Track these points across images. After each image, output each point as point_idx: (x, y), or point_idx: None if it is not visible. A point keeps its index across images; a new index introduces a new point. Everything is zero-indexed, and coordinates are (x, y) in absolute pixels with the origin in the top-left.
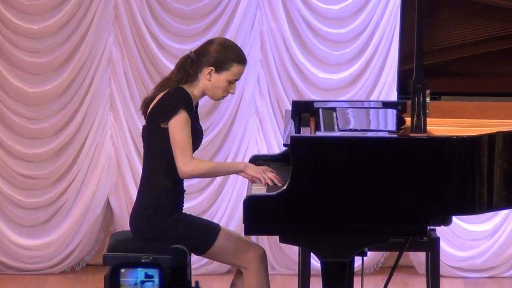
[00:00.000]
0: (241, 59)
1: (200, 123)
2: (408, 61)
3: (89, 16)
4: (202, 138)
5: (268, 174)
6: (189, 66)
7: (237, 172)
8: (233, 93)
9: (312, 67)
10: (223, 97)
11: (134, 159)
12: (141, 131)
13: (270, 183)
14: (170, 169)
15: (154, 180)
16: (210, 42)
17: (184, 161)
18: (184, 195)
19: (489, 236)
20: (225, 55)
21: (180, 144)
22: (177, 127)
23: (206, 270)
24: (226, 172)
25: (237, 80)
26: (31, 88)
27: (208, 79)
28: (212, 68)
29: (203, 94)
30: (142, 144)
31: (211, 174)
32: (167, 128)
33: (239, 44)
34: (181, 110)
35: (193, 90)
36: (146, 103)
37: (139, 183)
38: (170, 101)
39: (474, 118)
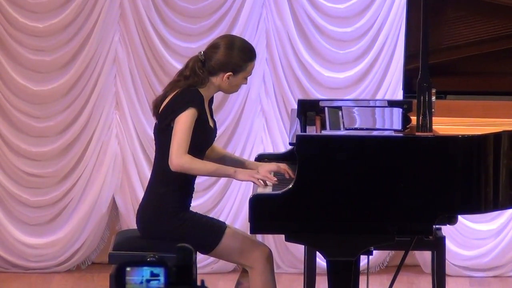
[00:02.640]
0: (253, 55)
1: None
2: (414, 60)
3: (94, 15)
4: (215, 134)
5: (259, 176)
6: (202, 71)
7: (228, 176)
8: (246, 84)
9: (317, 65)
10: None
11: (139, 158)
12: (153, 130)
13: (262, 184)
14: None
15: (163, 178)
16: (217, 46)
17: (178, 153)
18: (193, 195)
19: (495, 235)
20: (240, 58)
21: (179, 136)
22: (181, 121)
23: (212, 269)
24: (217, 174)
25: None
26: (36, 86)
27: (227, 83)
28: (231, 73)
29: (217, 91)
30: (147, 142)
31: (201, 172)
32: None
33: None
34: (190, 107)
35: (205, 90)
36: (156, 104)
37: (146, 181)
38: (181, 100)
39: (479, 117)
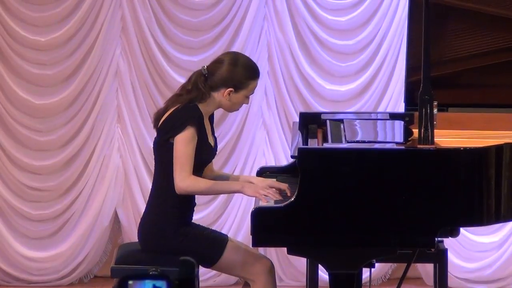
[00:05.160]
0: (257, 74)
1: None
2: (415, 73)
3: (96, 28)
4: (214, 152)
5: (265, 192)
6: (203, 85)
7: (234, 192)
8: (247, 103)
9: (319, 78)
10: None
11: (141, 171)
12: (152, 143)
13: (265, 200)
14: None
15: (163, 192)
16: (221, 62)
17: (181, 177)
18: (194, 208)
19: (497, 247)
20: (243, 75)
21: (181, 159)
22: (181, 142)
23: (214, 282)
24: (223, 191)
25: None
26: (38, 100)
27: (227, 99)
28: (232, 89)
29: (218, 108)
30: (149, 156)
31: (207, 192)
32: None
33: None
34: (189, 126)
35: (206, 106)
36: (157, 117)
37: (148, 195)
38: (180, 117)
39: (481, 129)
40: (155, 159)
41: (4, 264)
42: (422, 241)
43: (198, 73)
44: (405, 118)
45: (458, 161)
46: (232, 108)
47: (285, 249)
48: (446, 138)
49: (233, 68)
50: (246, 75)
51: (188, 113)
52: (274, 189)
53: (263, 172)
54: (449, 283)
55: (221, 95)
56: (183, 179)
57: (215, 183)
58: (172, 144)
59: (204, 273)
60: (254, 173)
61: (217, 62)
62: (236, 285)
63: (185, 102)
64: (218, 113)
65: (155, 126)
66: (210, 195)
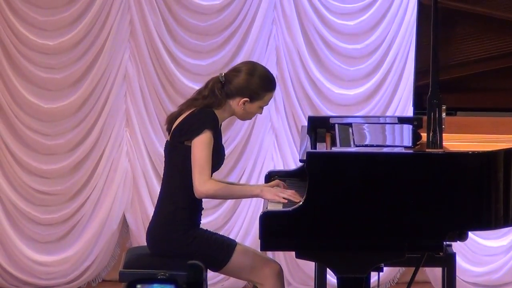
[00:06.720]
0: (273, 86)
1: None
2: (424, 77)
3: (104, 32)
4: (224, 157)
5: (284, 195)
6: (220, 92)
7: (254, 196)
8: (261, 113)
9: (328, 82)
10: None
11: (150, 175)
12: (164, 146)
13: (286, 201)
14: (189, 186)
15: (173, 196)
16: (239, 70)
17: (201, 180)
18: (202, 212)
19: (506, 251)
20: (259, 86)
21: (200, 163)
22: (200, 146)
23: (222, 286)
24: (242, 195)
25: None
26: (46, 104)
27: (242, 108)
28: (247, 99)
29: (232, 115)
30: (158, 160)
31: (227, 196)
32: (190, 146)
33: (254, 60)
34: (206, 130)
35: (221, 112)
36: (171, 119)
37: (157, 198)
38: (197, 120)
39: (489, 133)
40: (165, 162)
41: (13, 268)
42: (430, 245)
43: (215, 80)
44: (414, 122)
45: (466, 165)
46: (246, 117)
47: (293, 252)
48: (455, 142)
49: (250, 78)
50: (262, 86)
51: (205, 117)
52: (293, 191)
53: (272, 176)
54: (458, 287)
55: (236, 104)
56: (203, 183)
57: (234, 187)
58: (186, 147)
59: (213, 277)
60: (262, 177)
61: (235, 70)
62: None
63: (201, 106)
64: None
65: (168, 128)
66: (228, 199)
